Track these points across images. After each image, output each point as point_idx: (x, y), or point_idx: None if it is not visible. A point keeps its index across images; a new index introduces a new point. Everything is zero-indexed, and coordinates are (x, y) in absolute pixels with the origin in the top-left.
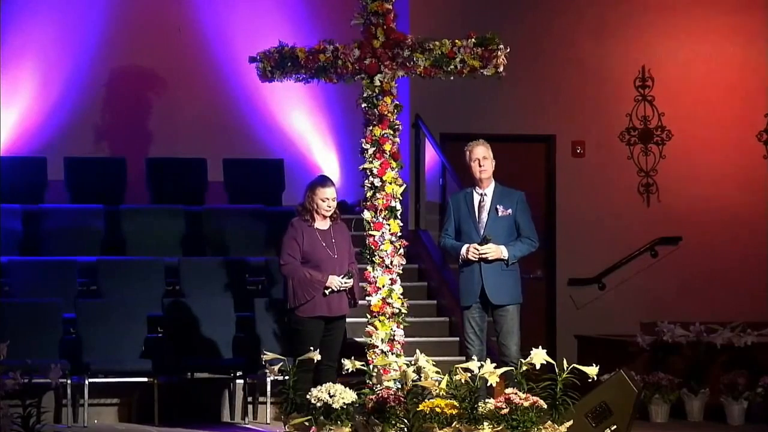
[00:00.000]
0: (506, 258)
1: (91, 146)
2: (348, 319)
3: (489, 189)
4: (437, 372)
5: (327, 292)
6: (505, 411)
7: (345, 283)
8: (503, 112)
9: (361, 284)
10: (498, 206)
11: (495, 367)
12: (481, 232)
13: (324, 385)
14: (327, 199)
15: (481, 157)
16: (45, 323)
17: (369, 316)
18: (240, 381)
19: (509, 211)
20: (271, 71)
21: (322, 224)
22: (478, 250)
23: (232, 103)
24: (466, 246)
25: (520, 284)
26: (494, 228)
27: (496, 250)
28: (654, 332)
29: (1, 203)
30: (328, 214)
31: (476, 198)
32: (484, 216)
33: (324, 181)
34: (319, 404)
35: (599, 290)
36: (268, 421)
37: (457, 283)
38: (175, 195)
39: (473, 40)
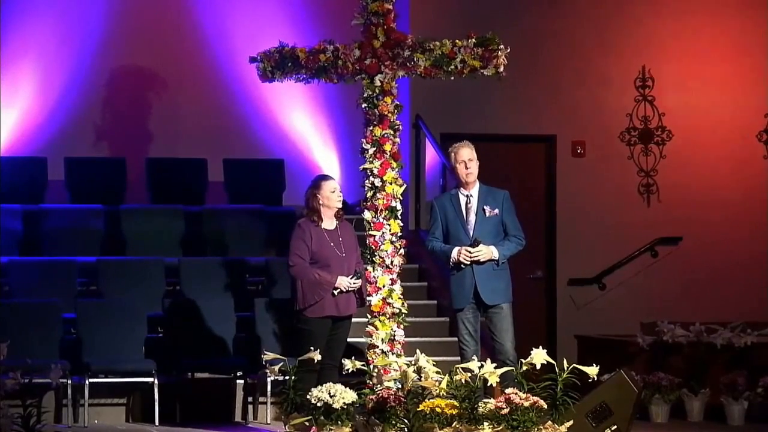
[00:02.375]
0: (497, 258)
1: (91, 146)
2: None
3: (474, 190)
4: (437, 372)
5: (336, 292)
6: (505, 411)
7: (353, 283)
8: (503, 112)
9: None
10: (485, 207)
11: (496, 367)
12: (470, 234)
13: (324, 385)
14: (335, 189)
15: (467, 159)
16: (45, 323)
17: (369, 316)
18: (240, 381)
19: (496, 211)
20: (271, 71)
21: (329, 224)
22: (470, 253)
23: (232, 103)
24: (456, 249)
25: (511, 283)
26: (482, 228)
27: (487, 251)
28: (654, 332)
29: (1, 203)
30: (340, 204)
31: (462, 199)
32: (472, 217)
33: (325, 176)
34: (319, 404)
35: (599, 290)
36: (268, 421)
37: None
38: (175, 195)
39: (473, 40)
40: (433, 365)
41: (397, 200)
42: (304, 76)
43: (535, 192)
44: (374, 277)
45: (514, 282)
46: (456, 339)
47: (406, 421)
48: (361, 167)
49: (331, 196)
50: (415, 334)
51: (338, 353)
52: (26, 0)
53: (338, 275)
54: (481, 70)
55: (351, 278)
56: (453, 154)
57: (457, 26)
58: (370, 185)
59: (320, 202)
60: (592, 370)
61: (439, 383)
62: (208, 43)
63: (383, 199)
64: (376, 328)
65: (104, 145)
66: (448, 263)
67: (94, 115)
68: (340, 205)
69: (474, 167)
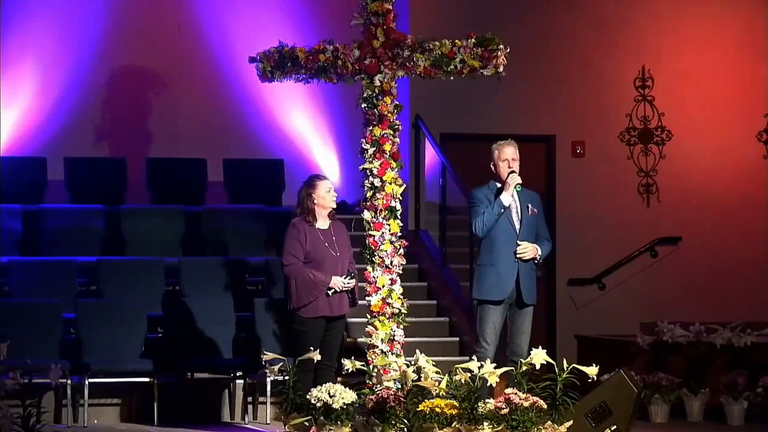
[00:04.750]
0: (540, 257)
1: (91, 146)
2: (348, 319)
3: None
4: (437, 372)
5: (330, 292)
6: (505, 411)
7: (347, 283)
8: (503, 112)
9: (360, 284)
10: (528, 205)
11: (496, 367)
12: (517, 229)
13: (324, 385)
14: (330, 189)
15: (511, 158)
16: (45, 323)
17: (369, 316)
18: (240, 381)
19: (536, 210)
20: (271, 71)
21: (322, 224)
22: (515, 178)
23: (232, 103)
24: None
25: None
26: (527, 226)
27: (532, 248)
28: (654, 332)
29: (1, 203)
30: (335, 205)
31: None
32: (515, 214)
33: (318, 176)
34: (319, 404)
35: (599, 290)
36: (268, 421)
37: (458, 282)
38: (175, 195)
39: (473, 40)
40: (433, 365)
41: (397, 200)
42: (304, 76)
43: (536, 192)
44: (374, 277)
45: None
46: (456, 338)
47: (405, 421)
48: (361, 167)
49: (327, 196)
50: (414, 334)
51: (334, 353)
52: (26, 0)
53: (332, 275)
54: (481, 70)
55: (344, 278)
56: (497, 152)
57: (456, 26)
58: (369, 185)
59: (315, 201)
60: (592, 370)
61: (439, 383)
62: (208, 43)
63: (383, 199)
64: (376, 329)
65: (104, 145)
66: (498, 217)
67: (94, 115)
68: (335, 206)
69: (517, 167)
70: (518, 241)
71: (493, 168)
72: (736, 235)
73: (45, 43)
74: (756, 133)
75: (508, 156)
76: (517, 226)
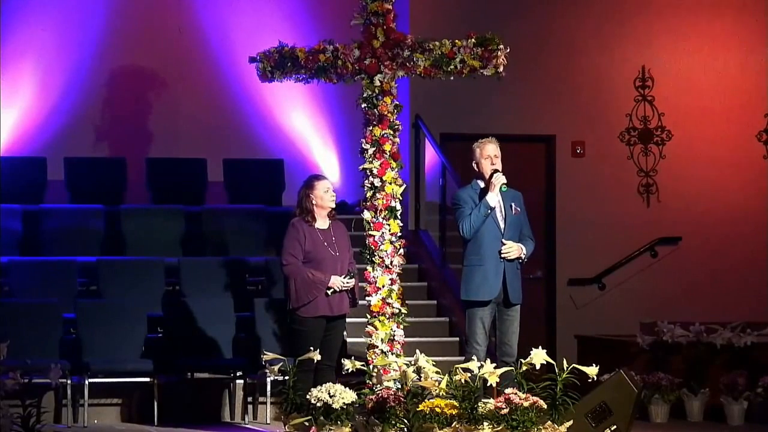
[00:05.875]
0: (524, 256)
1: (91, 146)
2: (348, 319)
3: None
4: (437, 372)
5: (329, 292)
6: (505, 411)
7: (347, 283)
8: (504, 112)
9: (360, 284)
10: (512, 204)
11: (495, 368)
12: (502, 229)
13: (324, 385)
14: (328, 189)
15: (493, 154)
16: (45, 323)
17: (369, 316)
18: (240, 381)
19: (519, 209)
20: (271, 71)
21: (322, 224)
22: (500, 178)
23: (232, 103)
24: (490, 178)
25: None
26: (512, 225)
27: (517, 248)
28: (654, 332)
29: (1, 203)
30: (334, 204)
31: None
32: (499, 214)
33: (317, 176)
34: (319, 404)
35: (599, 290)
36: (268, 421)
37: (457, 282)
38: (175, 195)
39: (473, 40)
40: (433, 365)
41: (397, 200)
42: (304, 76)
43: (535, 192)
44: (374, 277)
45: None
46: (456, 338)
47: (405, 421)
48: (361, 167)
49: (325, 196)
50: (415, 334)
51: (334, 353)
52: (26, 0)
53: (332, 275)
54: (481, 70)
55: (344, 278)
56: (478, 150)
57: (456, 26)
58: (369, 185)
59: (313, 202)
60: (592, 370)
61: (439, 383)
62: (208, 43)
63: (383, 199)
64: (376, 329)
65: (104, 145)
66: (485, 218)
67: (94, 115)
68: (334, 206)
69: (499, 163)
70: (503, 241)
71: (475, 166)
72: (736, 235)
73: (45, 43)
74: (756, 133)
75: (490, 153)
76: (502, 226)
